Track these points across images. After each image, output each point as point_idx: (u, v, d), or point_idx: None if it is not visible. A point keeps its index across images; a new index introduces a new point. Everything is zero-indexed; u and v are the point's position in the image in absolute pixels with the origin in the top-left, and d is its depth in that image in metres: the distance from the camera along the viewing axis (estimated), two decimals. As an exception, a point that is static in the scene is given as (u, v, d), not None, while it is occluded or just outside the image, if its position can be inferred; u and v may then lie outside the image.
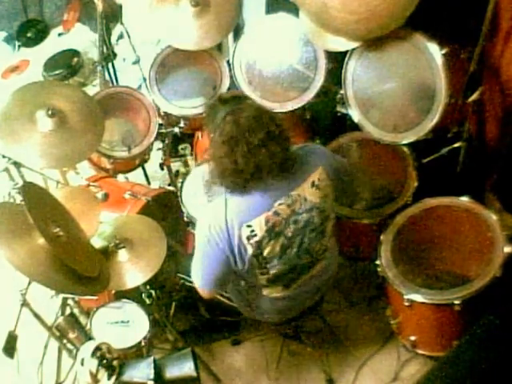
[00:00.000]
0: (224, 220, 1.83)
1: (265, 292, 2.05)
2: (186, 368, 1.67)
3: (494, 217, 2.16)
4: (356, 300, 2.70)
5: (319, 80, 2.54)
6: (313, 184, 1.91)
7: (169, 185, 3.02)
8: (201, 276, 1.97)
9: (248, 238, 1.85)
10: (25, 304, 2.23)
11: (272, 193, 1.86)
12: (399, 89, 2.30)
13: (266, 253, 1.90)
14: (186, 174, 2.63)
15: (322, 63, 2.53)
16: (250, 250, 1.87)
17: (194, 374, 1.67)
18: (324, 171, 1.94)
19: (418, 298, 2.09)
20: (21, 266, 1.67)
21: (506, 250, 2.06)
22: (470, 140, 2.40)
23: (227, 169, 1.80)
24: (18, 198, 2.27)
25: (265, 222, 1.85)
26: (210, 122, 1.86)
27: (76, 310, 2.53)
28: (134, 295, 2.32)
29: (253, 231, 1.84)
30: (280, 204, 1.86)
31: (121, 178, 2.79)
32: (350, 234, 2.54)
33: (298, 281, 2.05)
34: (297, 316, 2.22)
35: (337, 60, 2.49)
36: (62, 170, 2.79)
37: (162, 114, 2.79)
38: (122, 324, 2.27)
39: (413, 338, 2.26)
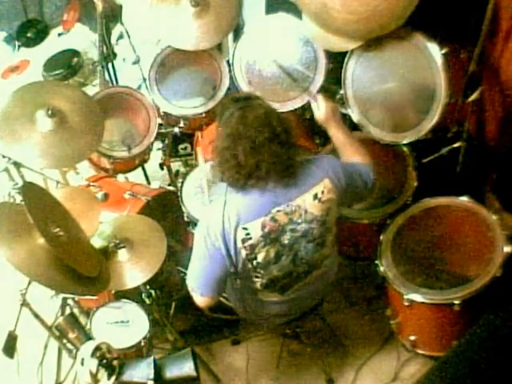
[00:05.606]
0: (221, 221, 1.83)
1: (260, 295, 2.04)
2: (186, 368, 1.67)
3: (494, 217, 2.16)
4: (356, 300, 2.70)
5: (319, 80, 2.53)
6: (315, 197, 1.88)
7: (169, 185, 3.01)
8: (200, 281, 1.95)
9: (243, 241, 1.85)
10: (25, 304, 2.23)
11: (271, 197, 1.84)
12: (399, 89, 2.30)
13: (260, 258, 1.89)
14: (186, 174, 2.62)
15: (322, 63, 2.52)
16: (243, 254, 1.87)
17: (194, 373, 1.67)
18: (330, 184, 1.91)
19: (417, 297, 2.09)
20: (21, 266, 1.68)
21: (506, 249, 2.06)
22: (469, 140, 2.40)
23: (227, 162, 1.81)
24: (18, 198, 2.27)
25: (261, 226, 1.84)
26: (219, 117, 1.89)
27: (76, 310, 2.53)
28: (133, 295, 2.32)
29: (248, 234, 1.84)
30: (278, 211, 1.85)
31: (121, 178, 2.79)
32: (350, 234, 2.54)
33: (294, 287, 2.03)
34: (296, 316, 2.22)
35: (337, 60, 2.49)
36: (62, 170, 2.79)
37: (162, 114, 2.79)
38: (122, 324, 2.26)
39: (412, 337, 2.26)
